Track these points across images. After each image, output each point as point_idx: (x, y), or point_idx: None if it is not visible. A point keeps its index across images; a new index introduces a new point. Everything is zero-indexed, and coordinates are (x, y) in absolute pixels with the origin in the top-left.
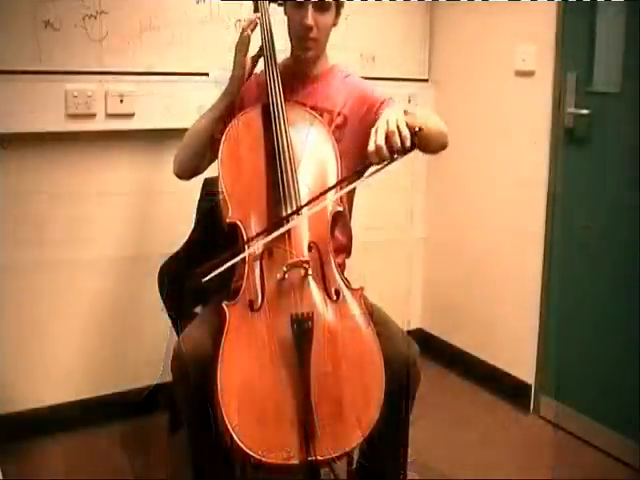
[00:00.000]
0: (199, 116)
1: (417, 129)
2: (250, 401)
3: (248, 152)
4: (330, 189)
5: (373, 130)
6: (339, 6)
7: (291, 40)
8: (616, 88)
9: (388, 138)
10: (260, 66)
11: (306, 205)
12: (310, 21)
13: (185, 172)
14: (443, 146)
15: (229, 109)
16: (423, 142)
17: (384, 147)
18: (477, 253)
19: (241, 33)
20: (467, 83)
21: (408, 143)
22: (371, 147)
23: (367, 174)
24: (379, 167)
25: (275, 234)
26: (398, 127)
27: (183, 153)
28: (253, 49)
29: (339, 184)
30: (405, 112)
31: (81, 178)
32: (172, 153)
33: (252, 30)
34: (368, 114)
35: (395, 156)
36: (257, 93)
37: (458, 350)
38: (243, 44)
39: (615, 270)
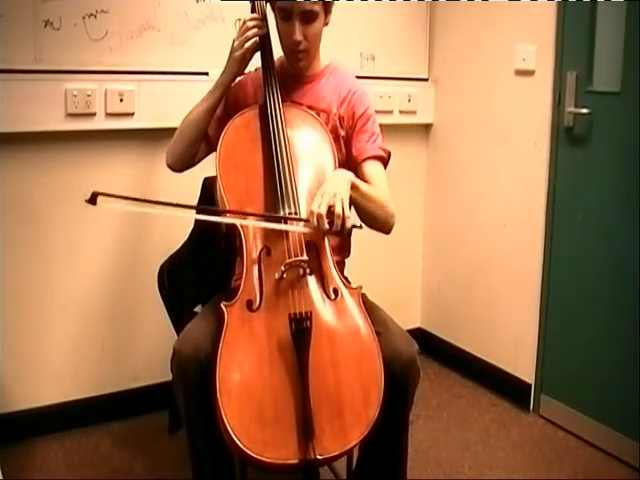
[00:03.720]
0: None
1: (358, 225)
2: (249, 400)
3: (246, 152)
4: None
5: (319, 192)
6: (328, 5)
7: (283, 50)
8: (616, 88)
9: (330, 214)
10: (253, 64)
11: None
12: (298, 36)
13: (177, 163)
14: (389, 228)
15: (220, 100)
16: (367, 223)
17: (325, 220)
18: (477, 253)
19: (242, 27)
20: (467, 83)
21: (348, 226)
22: (314, 209)
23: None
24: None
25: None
26: (343, 210)
27: (176, 144)
28: None
29: None
30: (353, 186)
31: (81, 178)
32: None
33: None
34: (353, 116)
35: (329, 230)
36: (252, 91)
37: (458, 349)
38: (244, 33)
39: (615, 270)
